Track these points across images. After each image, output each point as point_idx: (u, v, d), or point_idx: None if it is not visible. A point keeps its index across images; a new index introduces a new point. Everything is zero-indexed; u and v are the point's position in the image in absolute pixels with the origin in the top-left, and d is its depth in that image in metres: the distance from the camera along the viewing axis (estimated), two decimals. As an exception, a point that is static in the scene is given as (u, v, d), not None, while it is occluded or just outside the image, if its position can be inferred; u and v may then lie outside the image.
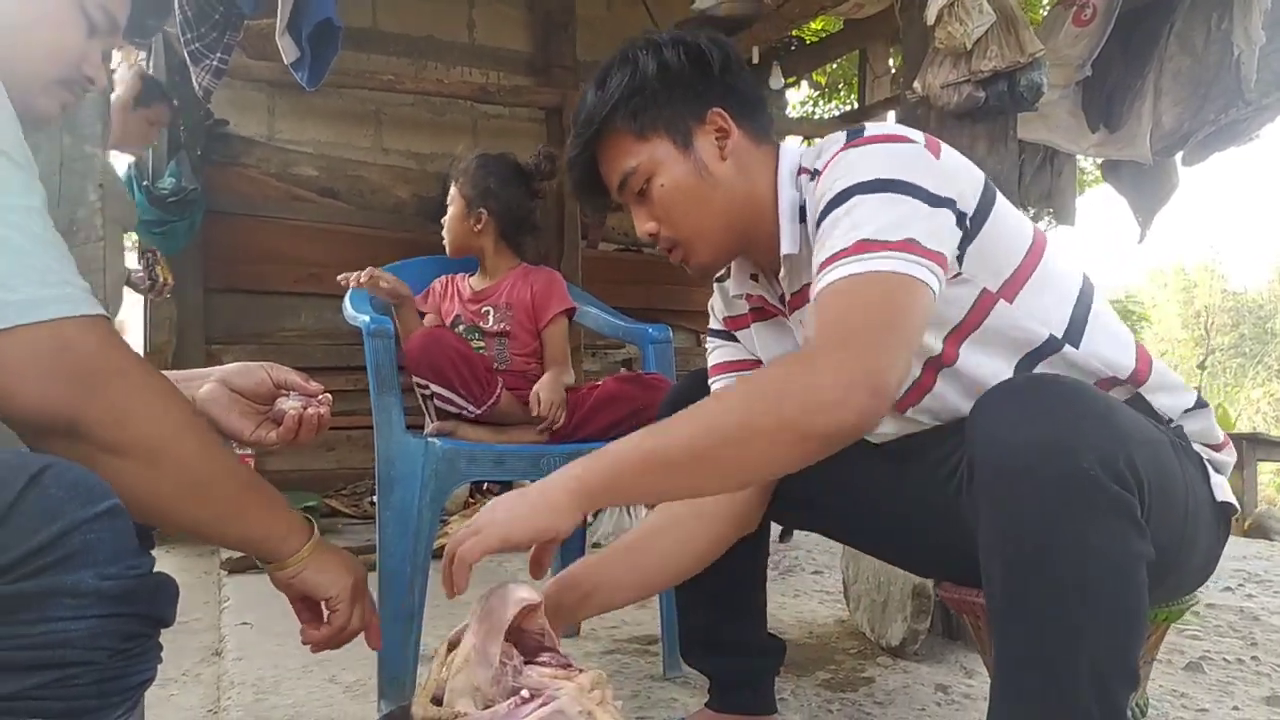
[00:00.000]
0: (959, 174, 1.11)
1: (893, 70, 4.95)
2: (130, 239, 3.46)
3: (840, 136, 1.16)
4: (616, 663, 2.01)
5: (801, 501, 1.33)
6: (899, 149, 1.09)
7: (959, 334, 1.14)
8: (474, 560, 0.99)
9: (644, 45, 1.21)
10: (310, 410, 1.10)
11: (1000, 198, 1.15)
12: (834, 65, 6.02)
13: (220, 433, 1.09)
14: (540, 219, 2.32)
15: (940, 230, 1.04)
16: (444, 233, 2.26)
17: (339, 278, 1.95)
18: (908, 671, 1.96)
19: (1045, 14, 3.78)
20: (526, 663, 0.99)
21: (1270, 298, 26.38)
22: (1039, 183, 3.87)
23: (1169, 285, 26.17)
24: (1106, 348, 1.15)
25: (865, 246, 1.01)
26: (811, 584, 2.82)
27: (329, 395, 1.14)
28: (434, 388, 1.91)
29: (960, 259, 1.10)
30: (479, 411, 1.93)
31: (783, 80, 4.31)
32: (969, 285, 1.12)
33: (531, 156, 2.28)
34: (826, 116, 6.66)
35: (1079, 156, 3.97)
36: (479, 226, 2.21)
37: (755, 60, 4.15)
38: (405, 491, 1.76)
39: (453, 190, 2.25)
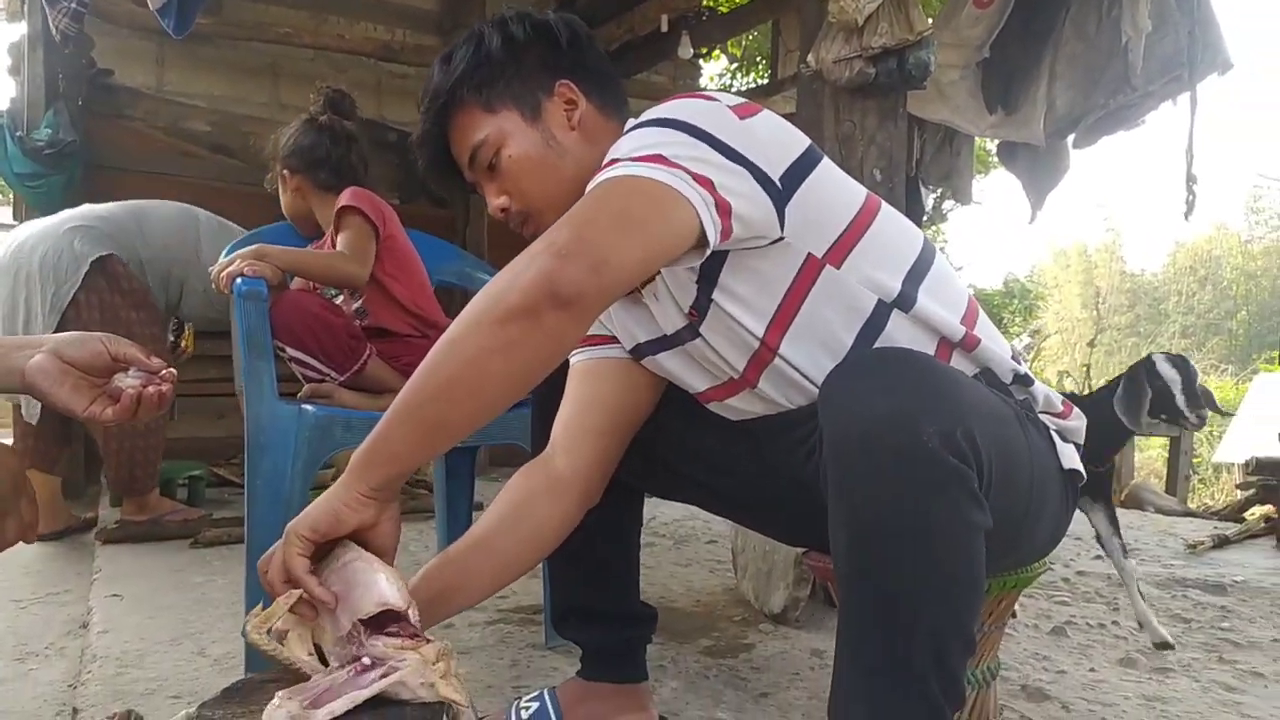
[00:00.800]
0: (768, 135, 1.09)
1: (804, 45, 4.98)
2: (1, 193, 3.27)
3: None
4: (500, 632, 2.00)
5: (663, 466, 1.32)
6: (696, 102, 1.08)
7: (783, 315, 1.13)
8: (303, 571, 0.94)
9: (490, 22, 1.21)
10: (150, 389, 1.04)
11: (826, 162, 1.13)
12: (750, 37, 6.03)
13: (51, 407, 1.03)
14: (355, 158, 2.16)
15: (721, 169, 1.01)
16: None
17: (214, 276, 1.81)
18: (787, 638, 1.99)
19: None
20: (372, 634, 0.97)
21: (1165, 280, 27.63)
22: (939, 162, 3.95)
23: (1071, 266, 27.18)
24: (936, 315, 1.15)
25: (609, 164, 1.01)
26: (705, 553, 2.85)
27: (173, 371, 1.08)
28: (290, 352, 1.86)
29: (782, 221, 1.07)
30: (342, 379, 1.88)
31: (691, 50, 4.28)
32: (791, 250, 1.10)
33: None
34: (744, 89, 6.68)
35: (979, 139, 4.07)
36: (294, 187, 2.15)
37: (664, 29, 4.12)
38: (276, 459, 1.70)
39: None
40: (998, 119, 3.55)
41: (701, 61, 6.22)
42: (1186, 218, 2.83)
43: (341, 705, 0.90)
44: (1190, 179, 2.81)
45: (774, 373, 1.18)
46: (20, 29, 3.72)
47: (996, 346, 1.19)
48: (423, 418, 0.95)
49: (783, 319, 1.14)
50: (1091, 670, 1.86)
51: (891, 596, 0.94)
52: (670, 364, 1.27)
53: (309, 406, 1.72)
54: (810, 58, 2.14)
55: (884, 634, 0.95)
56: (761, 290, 1.13)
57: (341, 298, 2.09)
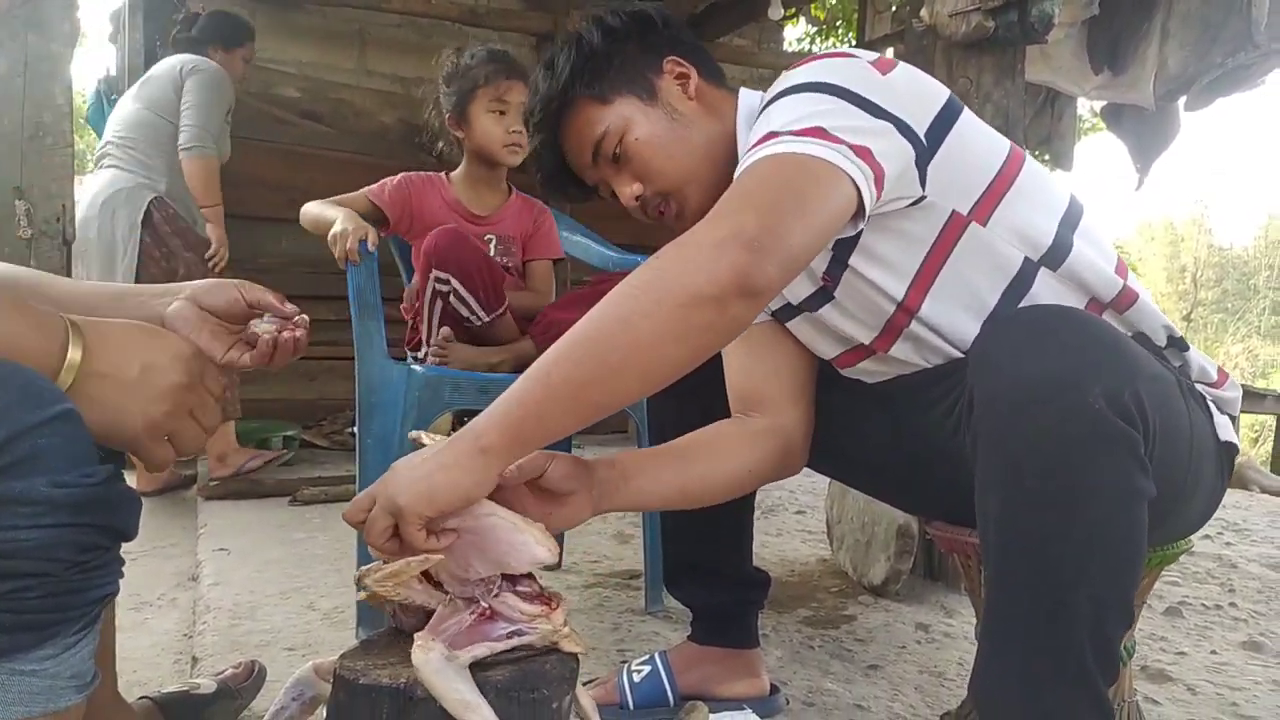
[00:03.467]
0: (910, 90, 1.05)
1: (894, 8, 4.83)
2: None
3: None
4: (598, 596, 2.00)
5: None
6: (837, 61, 1.05)
7: (925, 275, 1.10)
8: (424, 541, 0.88)
9: (583, 22, 1.21)
10: (286, 334, 1.04)
11: (967, 114, 1.09)
12: (833, 1, 5.89)
13: None
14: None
15: (873, 133, 0.98)
16: (522, 140, 1.97)
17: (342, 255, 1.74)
18: (889, 610, 1.95)
19: (1053, -50, 3.67)
20: (506, 589, 0.96)
21: (1255, 254, 26.50)
22: (1038, 126, 3.80)
23: (1156, 239, 26.25)
24: (1088, 269, 1.10)
25: (770, 137, 0.97)
26: (794, 523, 2.82)
27: (305, 317, 1.07)
28: (454, 283, 1.82)
29: (923, 179, 1.04)
30: (487, 319, 1.86)
31: (782, 10, 4.19)
32: (936, 209, 1.07)
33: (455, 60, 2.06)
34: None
35: (1078, 102, 3.90)
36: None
37: (755, -10, 4.03)
38: (386, 419, 1.71)
39: (526, 91, 1.97)
40: (1104, 80, 3.39)
41: (783, 24, 6.09)
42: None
43: (483, 650, 0.89)
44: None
45: (910, 336, 1.14)
46: (121, -2, 3.80)
47: (1150, 305, 1.13)
48: (586, 399, 0.89)
49: (924, 279, 1.10)
50: (1213, 653, 1.79)
51: (1050, 565, 0.90)
52: (799, 330, 1.24)
53: (417, 367, 1.73)
54: (924, 12, 2.06)
55: (1041, 604, 0.91)
56: (903, 250, 1.09)
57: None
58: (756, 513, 1.59)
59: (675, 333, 0.88)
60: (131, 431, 0.75)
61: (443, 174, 2.10)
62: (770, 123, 1.00)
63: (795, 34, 7.64)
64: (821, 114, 0.97)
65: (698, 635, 1.47)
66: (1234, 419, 1.17)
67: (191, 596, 2.04)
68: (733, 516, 1.44)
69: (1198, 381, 1.15)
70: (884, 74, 1.04)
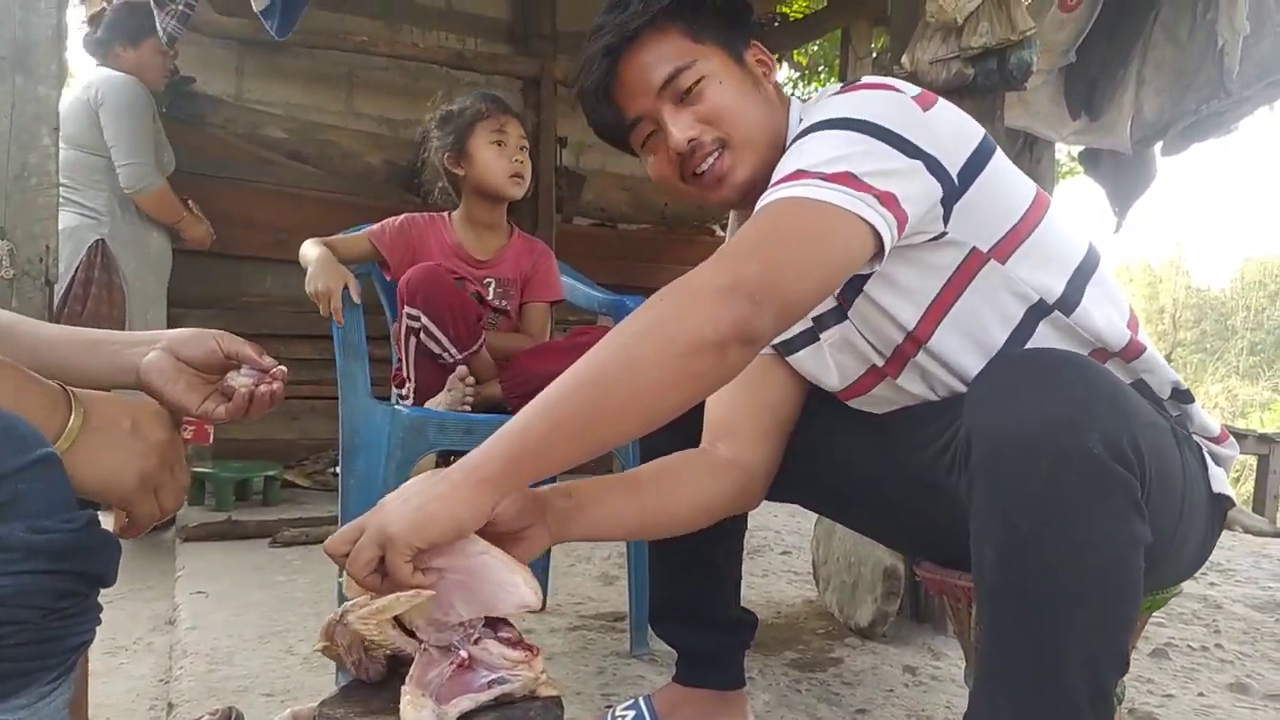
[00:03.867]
0: (949, 128, 1.07)
1: (874, 53, 4.91)
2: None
3: (835, 86, 1.15)
4: (583, 639, 1.98)
5: (788, 470, 1.29)
6: (879, 94, 1.07)
7: (938, 306, 1.11)
8: (410, 574, 0.86)
9: None
10: (263, 388, 1.03)
11: (999, 155, 1.10)
12: (815, 46, 5.98)
13: (163, 403, 1.02)
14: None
15: (901, 175, 0.99)
16: (524, 173, 2.03)
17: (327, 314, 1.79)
18: (876, 653, 1.94)
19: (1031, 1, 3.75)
20: (486, 636, 0.94)
21: (1232, 295, 26.84)
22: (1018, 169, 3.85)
23: (1135, 280, 26.56)
24: (1100, 319, 1.11)
25: (799, 175, 0.98)
26: (780, 564, 2.80)
27: (283, 369, 1.07)
28: (424, 320, 1.81)
29: (947, 217, 1.06)
30: (459, 357, 1.84)
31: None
32: (956, 245, 1.08)
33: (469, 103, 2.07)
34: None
35: (1056, 146, 3.97)
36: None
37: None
38: (370, 460, 1.70)
39: (522, 130, 2.07)
40: (1081, 125, 3.45)
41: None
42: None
43: (468, 704, 0.88)
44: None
45: (918, 367, 1.15)
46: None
47: (1157, 359, 1.14)
48: (587, 438, 0.89)
49: (937, 310, 1.11)
50: (1200, 695, 1.78)
51: (1045, 611, 0.90)
52: (808, 363, 1.25)
53: (402, 408, 1.72)
54: (905, 59, 2.09)
55: (1034, 650, 0.90)
56: (919, 280, 1.10)
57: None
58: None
59: (676, 378, 0.89)
60: (127, 486, 0.76)
61: (445, 214, 2.10)
62: (802, 157, 1.00)
63: (780, 78, 7.76)
64: (853, 157, 0.98)
65: (683, 677, 1.45)
66: (1228, 473, 1.18)
67: (168, 641, 2.01)
68: (720, 557, 1.43)
69: (1196, 433, 1.15)
70: (924, 110, 1.05)
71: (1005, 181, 1.10)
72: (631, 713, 1.40)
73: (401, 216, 2.06)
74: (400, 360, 1.92)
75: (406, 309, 1.82)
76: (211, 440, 3.57)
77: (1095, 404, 0.89)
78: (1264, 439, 4.68)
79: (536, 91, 4.53)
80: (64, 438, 0.72)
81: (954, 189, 1.05)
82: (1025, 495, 0.88)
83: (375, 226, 2.01)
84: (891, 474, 1.19)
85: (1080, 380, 0.91)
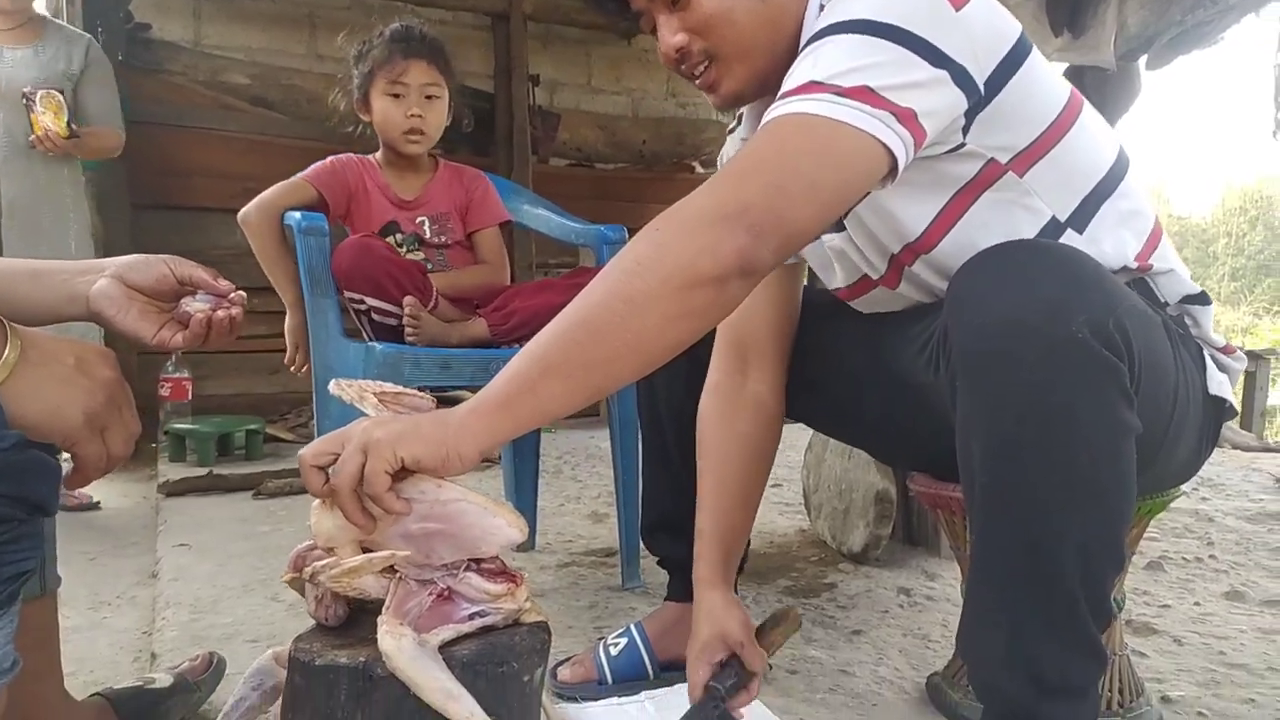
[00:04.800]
0: (982, 27, 0.97)
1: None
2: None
3: None
4: (573, 574, 1.95)
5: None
6: None
7: (947, 216, 1.05)
8: (386, 489, 0.80)
9: None
10: (221, 313, 0.98)
11: (1034, 56, 1.02)
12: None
13: (117, 333, 0.97)
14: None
15: (924, 87, 0.92)
16: (423, 128, 1.91)
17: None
18: (869, 576, 1.92)
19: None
20: (467, 569, 0.90)
21: (1214, 222, 26.91)
22: (1000, 90, 3.78)
23: (1116, 210, 26.55)
24: (1109, 244, 1.05)
25: (811, 88, 0.90)
26: (771, 495, 2.79)
27: (242, 294, 1.01)
28: (369, 301, 1.73)
29: (967, 129, 0.99)
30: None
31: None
32: (973, 156, 1.02)
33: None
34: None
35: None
36: (448, 121, 2.01)
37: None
38: (344, 403, 1.64)
39: (430, 72, 1.92)
40: (1064, 42, 3.38)
41: None
42: (1275, 135, 2.67)
43: (449, 633, 0.85)
44: (1281, 94, 2.65)
45: (915, 276, 1.10)
46: (56, -16, 3.67)
47: (1171, 273, 1.09)
48: (588, 379, 0.85)
49: (945, 220, 1.05)
50: (1197, 604, 1.77)
51: (1036, 507, 0.86)
52: (813, 258, 1.22)
53: (377, 345, 1.66)
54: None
55: (1027, 549, 0.87)
56: (928, 190, 1.03)
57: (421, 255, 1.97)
58: None
59: (673, 315, 0.85)
60: (72, 423, 0.71)
61: (372, 156, 2.01)
62: (817, 65, 0.91)
63: None
64: (872, 68, 0.89)
65: (674, 593, 1.43)
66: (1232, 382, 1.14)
67: (151, 593, 1.97)
68: None
69: (1200, 338, 1.11)
70: (958, 9, 0.95)
71: (1035, 87, 1.01)
72: (623, 640, 1.37)
73: (331, 158, 1.97)
74: (366, 336, 1.85)
75: (347, 294, 1.74)
76: (190, 397, 3.54)
77: (1079, 289, 0.84)
78: (1252, 355, 4.69)
79: (506, 27, 4.39)
80: (0, 367, 0.66)
81: (979, 100, 0.97)
82: (1009, 386, 0.84)
83: (309, 170, 1.92)
84: (881, 379, 1.16)
85: (1062, 267, 0.87)
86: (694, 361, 1.24)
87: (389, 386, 0.98)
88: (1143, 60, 3.34)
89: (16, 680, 0.64)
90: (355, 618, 0.90)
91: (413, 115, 1.90)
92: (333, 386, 0.96)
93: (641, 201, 4.85)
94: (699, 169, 5.25)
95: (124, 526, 2.65)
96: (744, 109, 1.21)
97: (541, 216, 2.18)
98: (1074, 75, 3.60)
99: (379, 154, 2.01)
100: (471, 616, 0.88)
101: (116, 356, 0.79)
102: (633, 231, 2.08)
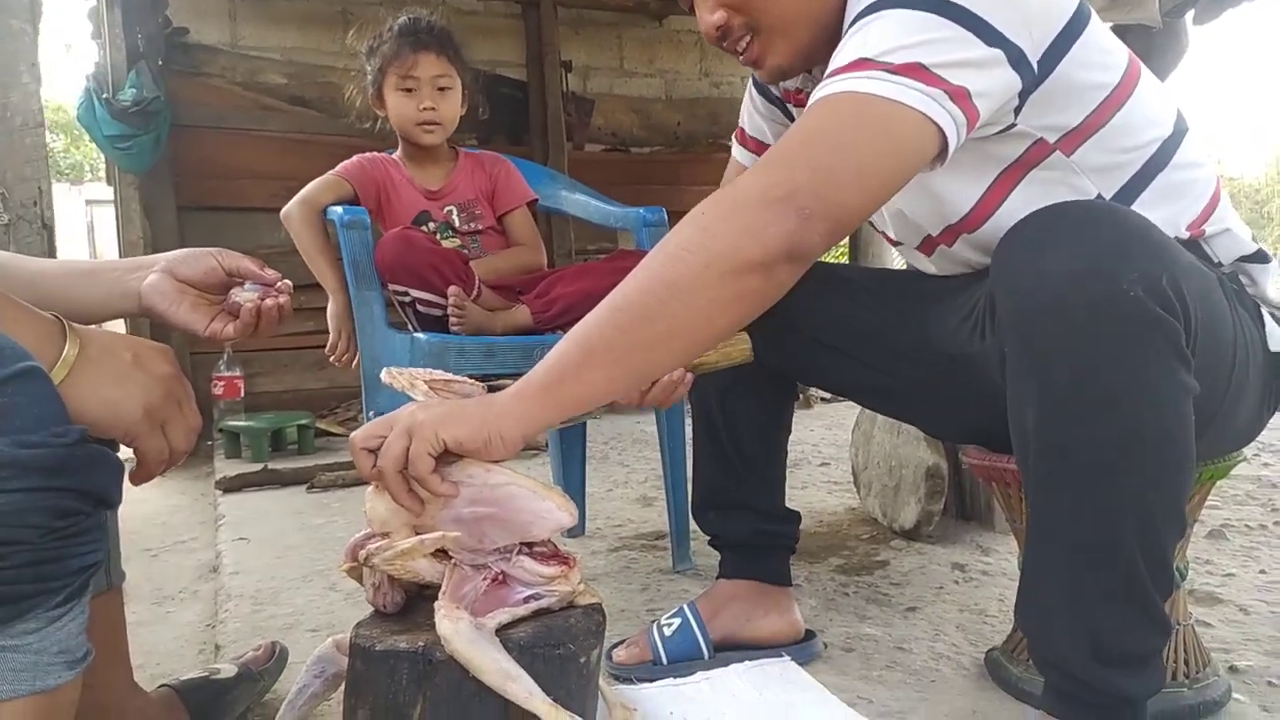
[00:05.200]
0: (1038, 3, 0.94)
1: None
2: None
3: None
4: (625, 559, 1.96)
5: (812, 343, 1.24)
6: None
7: (994, 194, 1.03)
8: (429, 471, 0.82)
9: None
10: (269, 302, 1.00)
11: (1092, 26, 0.98)
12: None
13: (170, 327, 0.99)
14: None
15: (978, 67, 0.89)
16: (437, 119, 1.93)
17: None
18: (922, 553, 1.91)
19: None
20: (520, 553, 0.91)
21: (1267, 182, 26.14)
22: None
23: (1164, 173, 25.91)
24: (1161, 212, 1.01)
25: (862, 65, 0.88)
26: (819, 475, 2.77)
27: (288, 282, 1.03)
28: (414, 293, 1.75)
29: (1019, 109, 0.96)
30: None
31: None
32: (1023, 135, 0.99)
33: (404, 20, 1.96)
34: None
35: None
36: (463, 111, 2.03)
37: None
38: (392, 391, 1.65)
39: (439, 63, 1.92)
40: (1106, 1, 3.29)
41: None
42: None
43: (505, 616, 0.85)
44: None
45: (955, 254, 1.08)
46: (96, -5, 3.74)
47: (1227, 233, 1.06)
48: (630, 365, 0.85)
49: (991, 201, 1.03)
50: (1262, 572, 1.73)
51: (1093, 470, 0.84)
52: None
53: (421, 335, 1.68)
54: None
55: (1084, 516, 0.85)
56: (975, 168, 1.02)
57: (458, 242, 2.00)
58: None
59: (724, 300, 0.85)
60: (131, 418, 0.72)
61: (393, 154, 2.04)
62: (867, 42, 0.89)
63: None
64: (925, 45, 0.87)
65: (727, 570, 1.42)
66: None
67: (213, 587, 2.01)
68: (764, 451, 1.39)
69: (1258, 298, 1.08)
70: None
71: (1091, 61, 0.98)
72: (677, 620, 1.37)
73: (358, 155, 2.01)
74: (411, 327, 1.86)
75: (391, 286, 1.77)
76: (242, 394, 3.61)
77: (1129, 246, 0.82)
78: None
79: (536, 14, 4.39)
80: (60, 365, 0.68)
81: (1033, 79, 0.94)
82: (1061, 348, 0.82)
83: (340, 166, 1.96)
84: (924, 352, 1.14)
85: (1112, 224, 0.85)
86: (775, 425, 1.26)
87: (439, 374, 1.00)
88: (1189, 15, 3.23)
89: (89, 670, 0.66)
90: (413, 604, 0.92)
91: (425, 109, 1.92)
92: (384, 375, 0.98)
93: (678, 184, 4.83)
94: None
95: (184, 523, 2.71)
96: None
97: (580, 201, 2.18)
98: (1118, 34, 3.52)
99: (399, 150, 2.04)
100: (526, 599, 0.89)
101: (173, 352, 0.80)
102: (672, 214, 2.09)
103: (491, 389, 0.94)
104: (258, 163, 4.00)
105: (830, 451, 3.11)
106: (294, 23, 4.25)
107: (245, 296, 1.01)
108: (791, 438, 1.46)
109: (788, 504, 1.45)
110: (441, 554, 0.91)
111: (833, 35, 1.01)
